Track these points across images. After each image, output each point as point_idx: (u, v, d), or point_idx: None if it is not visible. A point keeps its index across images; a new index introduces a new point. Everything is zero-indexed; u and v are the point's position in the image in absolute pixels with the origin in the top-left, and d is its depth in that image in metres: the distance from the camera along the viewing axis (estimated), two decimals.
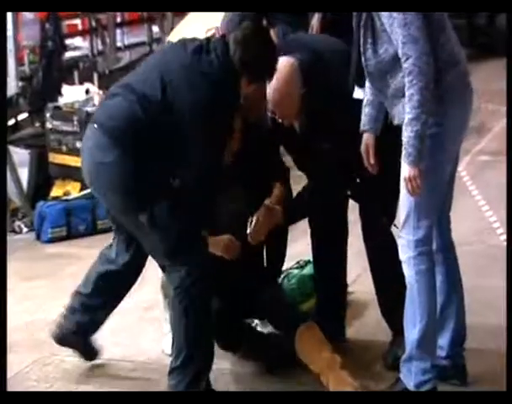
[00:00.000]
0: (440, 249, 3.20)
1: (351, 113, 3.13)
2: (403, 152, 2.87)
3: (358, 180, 3.44)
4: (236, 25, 3.20)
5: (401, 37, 2.81)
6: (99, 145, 2.99)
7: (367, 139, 3.11)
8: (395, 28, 2.83)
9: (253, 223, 3.32)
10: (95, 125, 3.03)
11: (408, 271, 3.06)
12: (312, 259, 3.91)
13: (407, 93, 2.83)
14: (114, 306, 3.38)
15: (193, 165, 3.04)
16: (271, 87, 3.20)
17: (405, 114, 2.83)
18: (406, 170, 2.87)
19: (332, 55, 3.32)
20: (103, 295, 3.33)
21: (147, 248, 3.14)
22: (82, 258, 4.75)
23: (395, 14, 2.82)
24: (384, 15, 2.86)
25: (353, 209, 3.55)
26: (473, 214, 5.07)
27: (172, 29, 7.63)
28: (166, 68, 3.03)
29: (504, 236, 4.66)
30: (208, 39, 3.10)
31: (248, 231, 3.33)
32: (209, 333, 3.11)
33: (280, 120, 3.29)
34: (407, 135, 2.83)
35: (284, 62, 3.20)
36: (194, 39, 3.10)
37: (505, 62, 9.98)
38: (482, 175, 5.83)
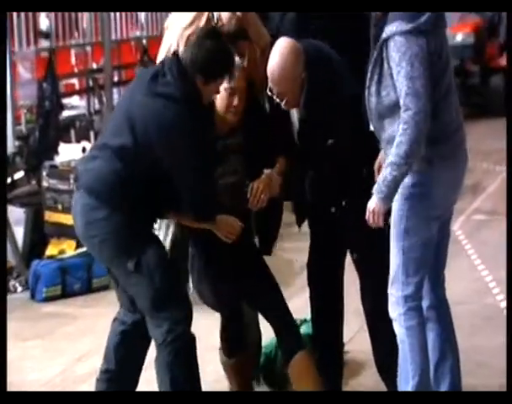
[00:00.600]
0: (433, 306, 3.24)
1: (351, 113, 3.16)
2: (376, 186, 2.97)
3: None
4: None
5: (405, 88, 2.90)
6: (89, 205, 3.11)
7: (382, 157, 3.15)
8: (401, 77, 2.91)
9: (254, 189, 3.34)
10: (82, 190, 3.16)
11: (399, 328, 3.10)
12: (308, 318, 3.96)
13: (397, 139, 2.91)
14: (142, 363, 3.37)
15: (185, 194, 3.12)
16: (270, 63, 3.23)
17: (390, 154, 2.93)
18: (373, 202, 2.98)
19: (335, 56, 3.35)
20: (128, 361, 3.32)
21: (136, 301, 3.20)
22: (78, 318, 4.79)
23: (404, 64, 2.89)
24: (393, 60, 2.92)
25: (350, 269, 3.59)
26: (469, 273, 5.12)
27: None
28: (130, 107, 3.15)
29: (501, 296, 4.70)
30: (163, 62, 3.21)
31: (248, 197, 3.34)
32: (194, 386, 3.16)
33: (277, 100, 3.27)
34: (385, 174, 2.93)
35: (286, 40, 3.25)
36: (151, 68, 3.27)
37: (499, 122, 10.15)
38: (477, 234, 5.88)
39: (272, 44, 3.31)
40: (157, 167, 3.09)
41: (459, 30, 10.14)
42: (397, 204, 3.10)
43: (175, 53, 3.21)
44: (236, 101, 3.28)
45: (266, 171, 3.38)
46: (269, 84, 3.27)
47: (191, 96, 3.11)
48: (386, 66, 2.95)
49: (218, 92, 3.24)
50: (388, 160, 2.95)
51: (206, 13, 3.40)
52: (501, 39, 10.60)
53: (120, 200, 3.09)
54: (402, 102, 2.91)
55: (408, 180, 3.05)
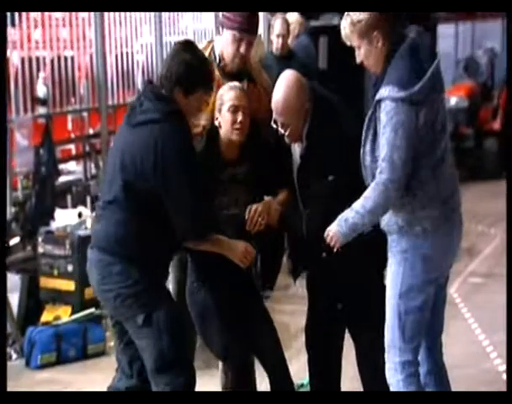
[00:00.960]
0: (431, 371, 3.25)
1: (352, 152, 3.19)
2: (340, 217, 3.08)
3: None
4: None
5: (385, 152, 2.98)
6: (103, 261, 3.19)
7: None
8: (384, 140, 2.99)
9: (251, 212, 3.37)
10: (95, 248, 3.24)
11: None
12: (305, 382, 3.95)
13: (367, 192, 3.02)
14: None
15: (180, 212, 3.13)
16: (275, 94, 3.34)
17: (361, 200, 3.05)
18: (334, 229, 3.09)
19: (337, 97, 3.49)
20: None
21: (141, 354, 3.22)
22: (73, 384, 4.76)
23: (388, 129, 2.96)
24: (381, 122, 3.00)
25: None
26: (466, 337, 5.12)
27: None
28: (116, 152, 3.22)
29: (499, 360, 4.69)
30: (139, 94, 3.30)
31: (246, 218, 3.38)
32: None
33: (281, 131, 3.35)
34: (349, 215, 3.06)
35: (290, 72, 3.40)
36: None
37: (493, 184, 10.26)
38: (473, 297, 5.90)
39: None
40: (156, 200, 3.12)
41: (453, 94, 10.31)
42: (392, 268, 3.14)
43: (149, 80, 3.31)
44: (240, 117, 3.35)
45: (266, 198, 3.46)
46: (274, 115, 3.35)
47: (172, 113, 3.13)
48: (378, 126, 3.04)
49: (200, 107, 3.28)
50: (355, 205, 3.05)
51: (209, 50, 3.58)
52: (494, 102, 10.79)
53: (132, 252, 3.16)
54: (379, 162, 3.00)
55: (404, 244, 3.10)
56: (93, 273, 3.26)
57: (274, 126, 3.38)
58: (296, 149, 3.47)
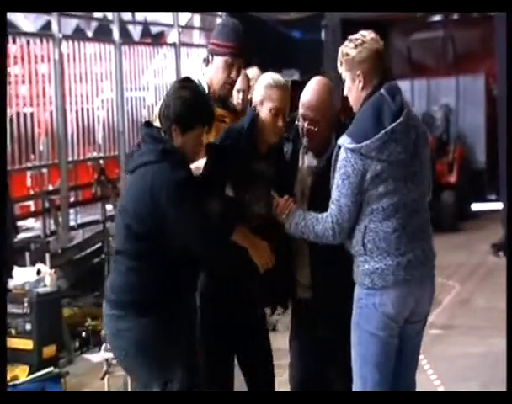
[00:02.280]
0: None
1: None
2: (298, 219, 3.26)
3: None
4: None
5: (334, 195, 3.17)
6: (114, 315, 3.16)
7: None
8: (334, 184, 3.17)
9: (282, 199, 3.33)
10: (107, 303, 3.22)
11: None
12: None
13: (323, 217, 3.19)
14: None
15: (193, 242, 3.11)
16: (307, 92, 3.41)
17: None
18: (284, 219, 3.26)
19: None
20: None
21: None
22: None
23: (338, 176, 3.13)
24: (337, 166, 3.16)
25: None
26: (425, 388, 5.12)
27: None
28: (119, 202, 3.24)
29: None
30: (138, 140, 3.29)
31: (274, 205, 3.34)
32: None
33: (307, 127, 3.40)
34: (302, 224, 3.24)
35: (321, 77, 3.50)
36: None
37: (450, 236, 10.39)
38: (433, 349, 5.92)
39: None
40: (158, 243, 3.10)
41: None
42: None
43: (147, 122, 3.27)
44: (280, 121, 3.36)
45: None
46: (304, 112, 3.41)
47: (166, 152, 3.11)
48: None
49: (199, 144, 3.24)
50: (310, 218, 3.23)
51: None
52: (450, 157, 11.00)
53: (141, 304, 3.11)
54: (330, 201, 3.17)
55: (358, 292, 3.20)
56: (108, 328, 3.23)
57: (301, 124, 3.43)
58: (306, 161, 3.52)
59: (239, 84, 6.52)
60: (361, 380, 3.21)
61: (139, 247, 3.12)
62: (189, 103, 3.15)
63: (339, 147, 3.16)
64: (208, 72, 3.61)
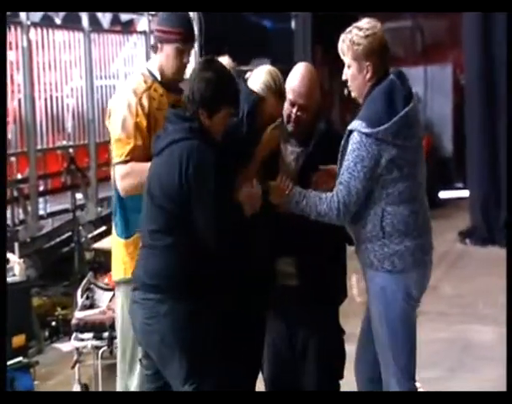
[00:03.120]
0: None
1: None
2: (298, 197, 3.23)
3: None
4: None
5: (343, 177, 3.17)
6: (149, 299, 3.03)
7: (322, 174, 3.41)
8: (345, 165, 3.17)
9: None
10: (139, 289, 3.08)
11: None
12: None
13: (327, 197, 3.18)
14: None
15: (202, 219, 3.02)
16: (294, 77, 3.43)
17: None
18: (286, 200, 3.22)
19: None
20: None
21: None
22: None
23: (350, 158, 3.14)
24: (348, 149, 3.16)
25: None
26: None
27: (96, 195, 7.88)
28: (145, 188, 3.14)
29: None
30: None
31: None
32: None
33: (296, 113, 3.42)
34: (304, 203, 3.21)
35: (306, 63, 3.55)
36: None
37: None
38: None
39: None
40: (188, 224, 3.00)
41: None
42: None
43: (172, 105, 3.20)
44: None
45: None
46: (293, 98, 3.42)
47: (192, 130, 3.05)
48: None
49: (225, 126, 3.18)
50: (311, 198, 3.21)
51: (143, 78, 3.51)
52: None
53: (179, 288, 3.01)
54: (337, 182, 3.18)
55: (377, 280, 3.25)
56: (138, 315, 3.09)
57: (287, 111, 3.43)
58: (289, 148, 3.52)
59: None
60: (401, 371, 3.26)
61: (174, 228, 3.02)
62: (214, 85, 3.07)
63: (350, 132, 3.18)
64: (158, 59, 3.54)
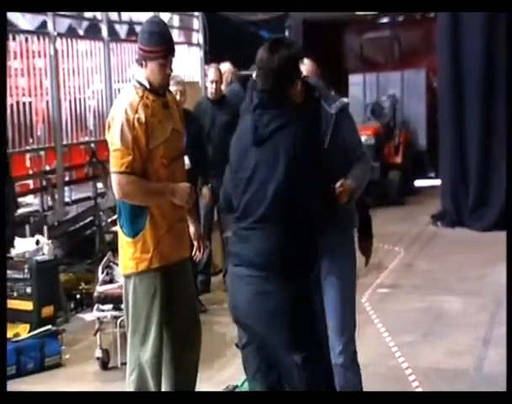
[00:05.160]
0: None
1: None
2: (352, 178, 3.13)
3: None
4: None
5: (358, 144, 3.36)
6: (256, 277, 2.78)
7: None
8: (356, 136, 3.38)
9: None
10: (243, 266, 2.83)
11: None
12: (239, 383, 3.91)
13: (358, 167, 3.22)
14: None
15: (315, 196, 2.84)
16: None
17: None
18: (349, 183, 3.09)
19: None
20: None
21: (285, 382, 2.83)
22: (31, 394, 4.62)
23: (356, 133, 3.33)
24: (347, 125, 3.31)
25: None
26: (376, 339, 5.16)
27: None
28: (244, 175, 2.86)
29: (402, 359, 4.75)
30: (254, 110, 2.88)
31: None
32: None
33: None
34: (358, 181, 3.16)
35: None
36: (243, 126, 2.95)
37: (395, 209, 10.44)
38: (381, 305, 5.97)
39: None
40: (302, 205, 2.79)
41: (362, 133, 10.48)
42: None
43: (263, 90, 2.87)
44: None
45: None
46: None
47: (292, 112, 2.84)
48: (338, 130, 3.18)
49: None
50: (359, 178, 3.17)
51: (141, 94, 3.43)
52: (396, 140, 11.04)
53: (288, 267, 2.77)
54: (357, 151, 3.25)
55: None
56: (243, 291, 2.81)
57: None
58: None
59: (212, 76, 6.51)
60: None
61: (285, 211, 2.79)
62: (291, 60, 2.86)
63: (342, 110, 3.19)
64: (144, 72, 3.46)
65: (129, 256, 3.43)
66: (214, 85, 6.46)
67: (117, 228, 3.57)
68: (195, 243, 3.64)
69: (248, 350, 2.94)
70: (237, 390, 3.98)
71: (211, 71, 6.50)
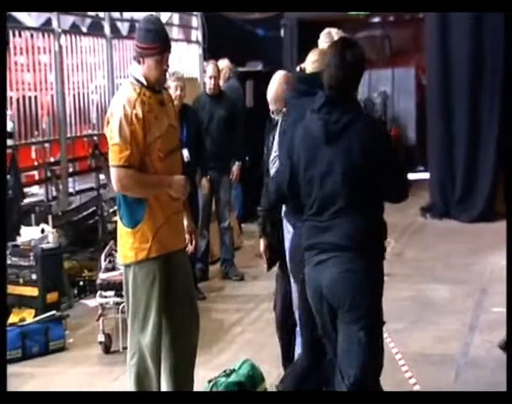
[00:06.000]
0: None
1: None
2: None
3: None
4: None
5: None
6: (343, 257, 2.89)
7: None
8: None
9: None
10: (328, 252, 2.91)
11: None
12: (236, 368, 3.91)
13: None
14: None
15: (396, 181, 2.96)
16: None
17: None
18: None
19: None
20: None
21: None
22: (36, 376, 4.61)
23: None
24: None
25: None
26: None
27: None
28: (318, 170, 2.94)
29: (392, 344, 4.73)
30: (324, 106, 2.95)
31: None
32: None
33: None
34: None
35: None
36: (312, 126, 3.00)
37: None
38: None
39: None
40: (373, 186, 2.89)
41: None
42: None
43: (333, 88, 2.89)
44: None
45: None
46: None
47: (361, 107, 3.00)
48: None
49: None
50: None
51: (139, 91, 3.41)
52: None
53: (371, 248, 2.89)
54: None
55: None
56: (330, 272, 2.89)
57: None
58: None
59: (211, 72, 6.49)
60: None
61: (364, 199, 2.89)
62: (355, 63, 2.92)
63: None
64: (142, 69, 3.43)
65: (128, 246, 3.41)
66: (212, 81, 6.45)
67: (117, 219, 3.54)
68: (187, 236, 3.62)
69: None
70: (234, 374, 3.97)
71: (210, 68, 6.48)
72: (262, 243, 3.70)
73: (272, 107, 3.65)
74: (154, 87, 3.44)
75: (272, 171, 3.53)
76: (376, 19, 12.63)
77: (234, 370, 3.99)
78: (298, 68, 3.62)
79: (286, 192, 3.12)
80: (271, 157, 3.58)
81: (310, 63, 3.43)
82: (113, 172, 3.34)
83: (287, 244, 3.48)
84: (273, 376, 4.10)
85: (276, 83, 3.66)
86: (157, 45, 3.37)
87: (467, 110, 8.62)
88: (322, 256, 2.94)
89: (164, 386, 3.51)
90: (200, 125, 6.14)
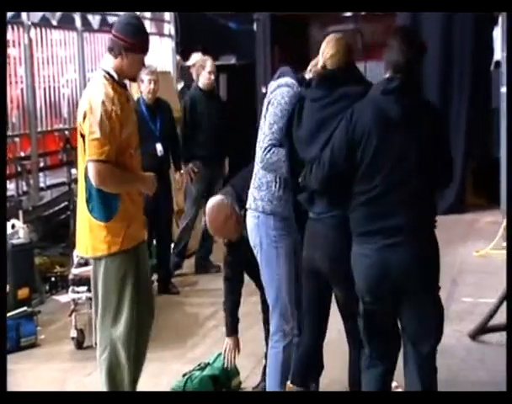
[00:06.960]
0: None
1: None
2: None
3: None
4: None
5: None
6: (414, 243, 2.99)
7: None
8: None
9: None
10: (403, 236, 2.95)
11: None
12: (211, 361, 3.90)
13: None
14: None
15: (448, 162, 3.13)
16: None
17: None
18: None
19: None
20: None
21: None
22: (8, 374, 4.51)
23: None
24: None
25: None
26: None
27: None
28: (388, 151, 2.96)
29: None
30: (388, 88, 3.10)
31: None
32: None
33: None
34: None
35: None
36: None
37: None
38: None
39: None
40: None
41: None
42: None
43: (402, 73, 3.02)
44: None
45: None
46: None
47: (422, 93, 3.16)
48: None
49: None
50: None
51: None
52: None
53: (432, 231, 3.10)
54: None
55: None
56: (403, 258, 2.96)
57: None
58: None
59: (210, 67, 6.55)
60: None
61: (432, 181, 3.03)
62: (423, 51, 3.11)
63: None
64: (118, 62, 3.38)
65: (100, 238, 3.39)
66: (212, 76, 6.53)
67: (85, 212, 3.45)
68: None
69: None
70: (208, 367, 3.97)
71: (209, 63, 6.55)
72: None
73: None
74: (121, 82, 3.43)
75: (269, 155, 3.26)
76: (348, 14, 12.68)
77: (208, 364, 4.00)
78: (310, 67, 3.47)
79: (340, 173, 3.00)
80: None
81: (329, 57, 3.31)
82: (92, 166, 3.31)
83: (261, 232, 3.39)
84: (247, 369, 4.10)
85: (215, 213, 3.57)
86: (145, 42, 3.40)
87: (438, 105, 8.69)
88: (387, 240, 2.92)
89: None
90: (173, 119, 6.12)
